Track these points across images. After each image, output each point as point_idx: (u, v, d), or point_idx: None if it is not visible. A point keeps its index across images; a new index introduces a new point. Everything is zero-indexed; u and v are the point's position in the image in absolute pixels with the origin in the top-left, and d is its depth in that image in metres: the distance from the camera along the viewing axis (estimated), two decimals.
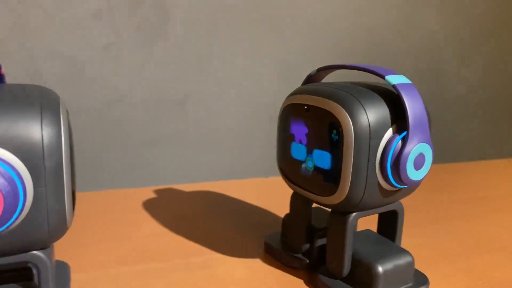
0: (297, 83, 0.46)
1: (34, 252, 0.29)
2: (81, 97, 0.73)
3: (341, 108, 0.34)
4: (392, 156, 0.34)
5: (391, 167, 0.34)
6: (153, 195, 0.60)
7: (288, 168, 0.40)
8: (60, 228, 0.29)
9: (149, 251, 0.44)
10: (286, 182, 0.42)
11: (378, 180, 0.35)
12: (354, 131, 0.34)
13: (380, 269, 0.36)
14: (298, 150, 0.39)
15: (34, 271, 0.32)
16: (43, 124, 0.27)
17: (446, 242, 0.49)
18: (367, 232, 0.42)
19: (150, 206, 0.56)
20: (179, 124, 0.76)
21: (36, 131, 0.27)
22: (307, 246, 0.43)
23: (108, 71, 0.73)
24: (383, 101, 0.35)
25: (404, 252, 0.39)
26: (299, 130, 0.38)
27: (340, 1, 0.76)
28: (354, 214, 0.37)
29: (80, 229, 0.49)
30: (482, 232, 0.51)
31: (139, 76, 0.75)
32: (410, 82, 0.35)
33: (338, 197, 0.36)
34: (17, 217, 0.26)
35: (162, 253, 0.44)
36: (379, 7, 0.79)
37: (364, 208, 0.36)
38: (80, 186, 0.71)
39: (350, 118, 0.34)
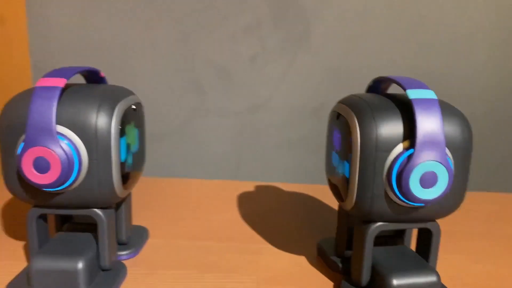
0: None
1: (94, 209, 0.39)
2: (229, 102, 0.85)
3: (355, 118, 0.36)
4: (397, 170, 0.34)
5: (396, 181, 0.34)
6: (251, 189, 0.68)
7: (331, 176, 0.43)
8: (108, 194, 0.37)
9: (215, 233, 0.52)
10: (331, 191, 0.44)
11: (387, 193, 0.35)
12: (360, 142, 0.35)
13: (394, 282, 0.36)
14: (335, 158, 0.41)
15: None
16: (98, 114, 0.36)
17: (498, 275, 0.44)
18: (402, 248, 0.41)
19: (243, 197, 0.64)
20: (311, 130, 0.81)
21: (92, 118, 0.36)
22: (349, 252, 0.44)
23: (253, 80, 0.83)
24: (400, 116, 0.35)
25: (430, 271, 0.37)
26: (336, 136, 0.40)
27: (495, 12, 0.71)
28: (375, 225, 0.37)
29: (175, 206, 0.59)
30: None
31: (279, 85, 0.83)
32: (435, 98, 0.35)
33: (348, 204, 0.37)
34: (75, 180, 0.36)
35: (225, 235, 0.51)
36: None
37: (378, 219, 0.37)
38: (213, 174, 0.83)
39: (359, 128, 0.35)
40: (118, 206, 0.45)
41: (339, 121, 0.39)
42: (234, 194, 0.65)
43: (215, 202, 0.61)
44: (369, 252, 0.38)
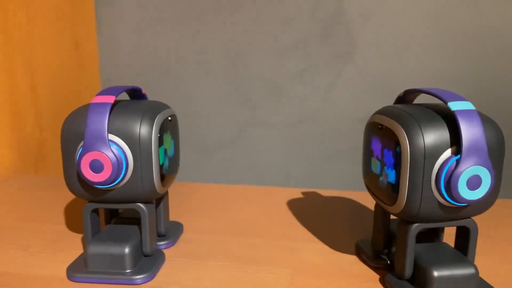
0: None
1: (138, 203, 0.45)
2: (278, 114, 0.89)
3: (402, 129, 0.39)
4: (445, 175, 0.38)
5: (444, 185, 0.38)
6: (296, 196, 0.70)
7: (369, 181, 0.46)
8: (150, 190, 0.44)
9: (250, 230, 0.57)
10: (369, 194, 0.47)
11: (434, 196, 0.39)
12: (410, 151, 0.38)
13: (435, 273, 0.40)
14: (375, 165, 0.44)
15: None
16: (141, 125, 0.43)
17: None
18: (442, 244, 0.45)
19: (284, 202, 0.67)
20: (358, 140, 0.85)
21: (136, 128, 0.43)
22: (385, 250, 0.48)
23: (301, 93, 0.87)
24: (445, 125, 0.39)
25: (468, 264, 0.41)
26: (377, 146, 0.44)
27: None
28: (416, 224, 0.41)
29: (212, 207, 0.64)
30: None
31: (327, 97, 0.87)
32: (474, 109, 0.38)
33: (397, 207, 0.41)
34: (123, 179, 0.42)
35: (261, 233, 0.56)
36: None
37: (424, 219, 0.41)
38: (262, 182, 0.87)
39: (408, 139, 0.39)
40: (157, 203, 0.51)
41: (382, 131, 0.43)
42: (282, 200, 0.68)
43: (244, 206, 0.65)
44: (411, 248, 0.42)
